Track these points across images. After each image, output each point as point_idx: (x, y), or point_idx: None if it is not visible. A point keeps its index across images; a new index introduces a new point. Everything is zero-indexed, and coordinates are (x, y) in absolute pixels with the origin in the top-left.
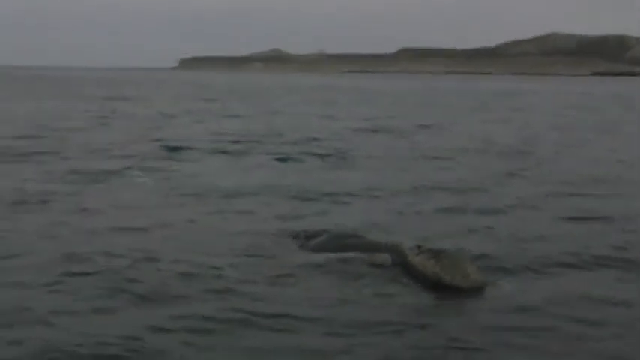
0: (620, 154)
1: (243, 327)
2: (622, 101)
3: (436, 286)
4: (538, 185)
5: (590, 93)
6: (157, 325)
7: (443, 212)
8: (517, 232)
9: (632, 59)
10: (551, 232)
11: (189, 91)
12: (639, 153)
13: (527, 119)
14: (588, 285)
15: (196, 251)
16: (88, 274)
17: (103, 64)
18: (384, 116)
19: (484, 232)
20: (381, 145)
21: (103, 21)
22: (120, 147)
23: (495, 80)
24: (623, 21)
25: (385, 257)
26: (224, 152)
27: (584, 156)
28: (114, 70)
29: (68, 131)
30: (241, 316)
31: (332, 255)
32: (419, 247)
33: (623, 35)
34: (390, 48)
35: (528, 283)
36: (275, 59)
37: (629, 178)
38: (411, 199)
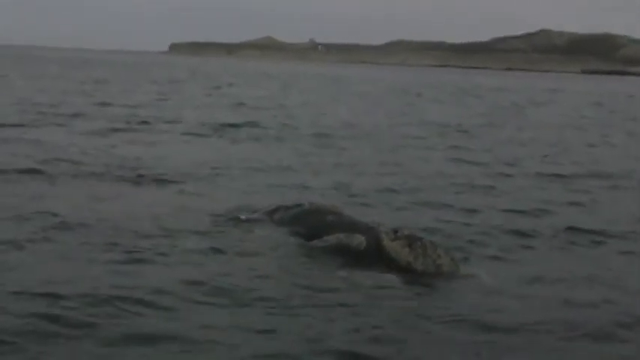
0: None
1: (199, 300)
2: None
3: (407, 274)
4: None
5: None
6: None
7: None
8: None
9: (623, 58)
10: None
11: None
12: None
13: None
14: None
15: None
16: None
17: (92, 46)
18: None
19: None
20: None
21: (90, 3)
22: None
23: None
24: (613, 20)
25: (360, 239)
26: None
27: None
28: (106, 52)
29: None
30: (198, 289)
31: (306, 231)
32: (395, 231)
33: (614, 34)
34: (381, 40)
35: (506, 273)
36: (268, 47)
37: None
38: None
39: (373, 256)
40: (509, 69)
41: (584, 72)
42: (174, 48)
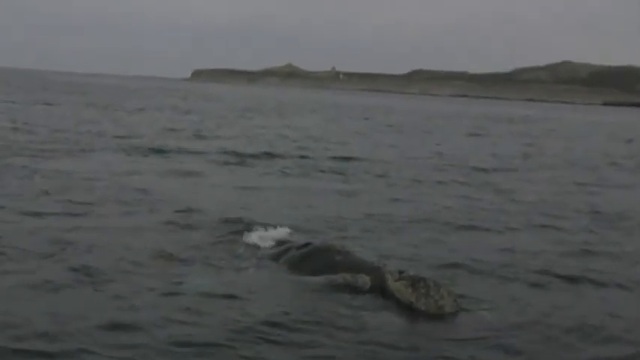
0: None
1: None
2: None
3: (409, 314)
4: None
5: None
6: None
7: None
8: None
9: None
10: None
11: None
12: None
13: None
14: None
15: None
16: None
17: (110, 71)
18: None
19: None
20: None
21: (115, 28)
22: None
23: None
24: (637, 52)
25: (364, 279)
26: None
27: None
28: (126, 78)
29: None
30: (200, 324)
31: (314, 270)
32: (400, 272)
33: (636, 66)
34: (403, 69)
35: (509, 314)
36: (289, 75)
37: None
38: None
39: (377, 295)
40: (531, 100)
41: (605, 104)
42: (196, 75)
